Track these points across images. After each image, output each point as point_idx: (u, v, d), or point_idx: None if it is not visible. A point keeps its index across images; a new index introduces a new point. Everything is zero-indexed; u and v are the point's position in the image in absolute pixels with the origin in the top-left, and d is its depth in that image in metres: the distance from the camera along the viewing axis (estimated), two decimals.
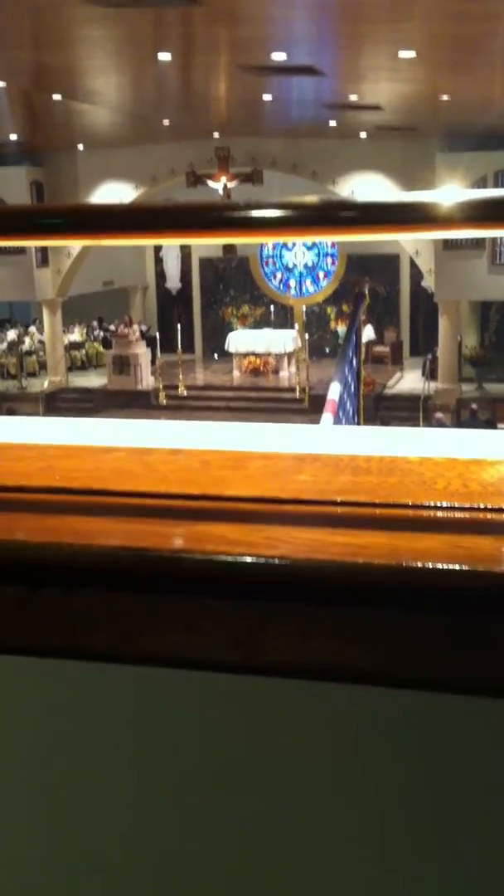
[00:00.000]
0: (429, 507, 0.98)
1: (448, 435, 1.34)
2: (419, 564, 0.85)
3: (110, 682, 0.97)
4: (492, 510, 0.98)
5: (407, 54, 10.79)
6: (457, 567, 0.84)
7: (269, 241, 20.92)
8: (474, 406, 17.53)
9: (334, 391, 4.33)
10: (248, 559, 0.88)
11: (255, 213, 1.06)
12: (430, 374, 19.38)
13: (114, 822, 1.02)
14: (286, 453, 1.21)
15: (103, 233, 1.19)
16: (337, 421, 4.22)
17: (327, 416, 4.15)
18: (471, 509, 0.98)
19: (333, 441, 1.38)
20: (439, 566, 0.84)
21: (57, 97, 13.92)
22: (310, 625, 0.87)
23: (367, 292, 6.14)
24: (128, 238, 1.19)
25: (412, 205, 1.03)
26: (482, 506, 0.98)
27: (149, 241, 1.19)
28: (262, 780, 0.96)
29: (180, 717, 0.97)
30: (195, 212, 1.13)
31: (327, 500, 1.01)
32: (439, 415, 17.03)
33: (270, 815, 0.97)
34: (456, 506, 0.98)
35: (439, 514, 0.98)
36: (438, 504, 0.98)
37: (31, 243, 1.29)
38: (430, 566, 0.84)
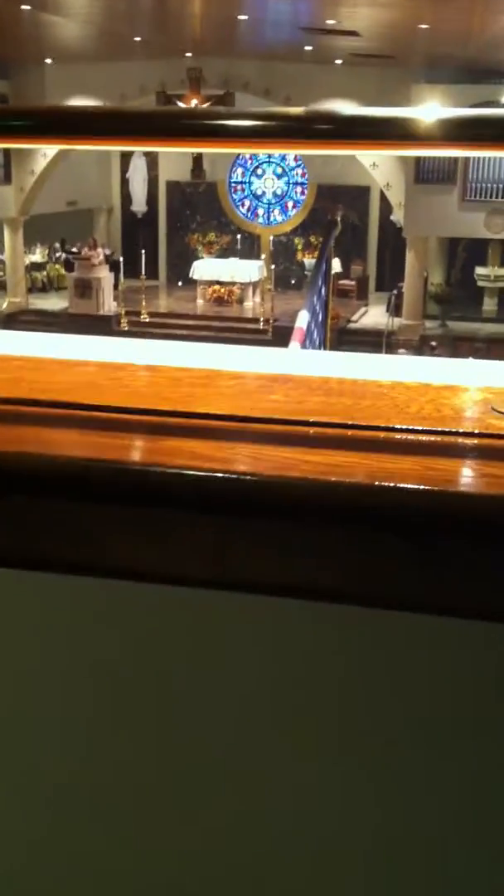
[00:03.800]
0: (402, 430, 0.98)
1: (418, 362, 1.33)
2: (392, 484, 0.84)
3: (75, 593, 0.97)
4: (463, 434, 0.98)
5: None
6: (429, 488, 0.84)
7: (247, 152, 20.54)
8: (434, 343, 17.57)
9: (303, 319, 4.30)
10: (219, 475, 0.87)
11: (236, 122, 1.03)
12: (395, 309, 19.33)
13: (77, 733, 1.03)
14: (258, 373, 1.20)
15: (77, 136, 1.16)
16: (304, 349, 4.19)
17: (294, 344, 4.12)
18: (443, 433, 0.97)
19: (304, 364, 1.36)
20: (412, 486, 0.84)
21: (26, 7, 13.42)
22: (280, 541, 0.87)
23: (339, 220, 6.06)
24: (104, 143, 1.16)
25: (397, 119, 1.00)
26: (455, 430, 0.98)
27: (144, 147, 1.16)
28: (225, 693, 0.97)
29: (145, 628, 0.96)
30: (173, 118, 1.10)
31: (300, 419, 1.00)
32: (402, 351, 17.06)
33: (232, 729, 0.97)
34: (429, 429, 0.98)
35: (412, 436, 0.97)
36: (411, 427, 0.98)
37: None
38: (403, 486, 0.84)
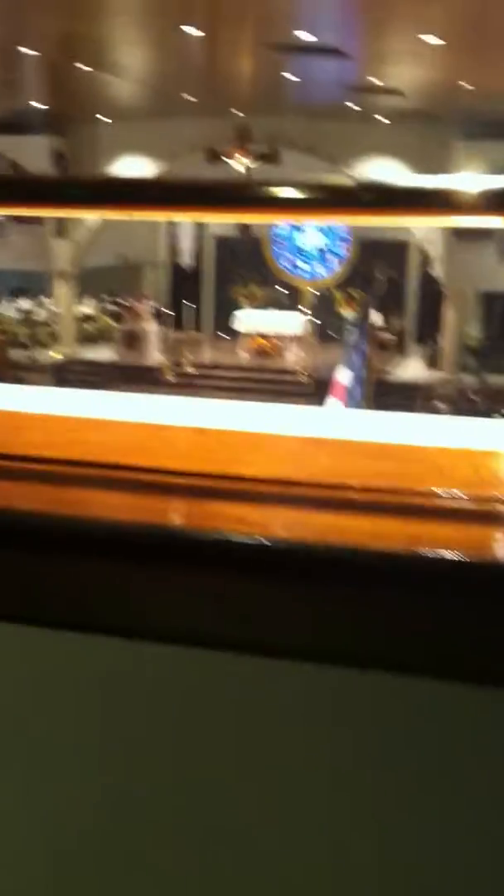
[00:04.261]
0: (443, 496, 0.99)
1: (461, 424, 1.35)
2: (431, 552, 0.86)
3: (118, 655, 0.98)
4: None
5: (432, 40, 10.71)
6: (468, 558, 0.85)
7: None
8: (473, 396, 17.53)
9: (343, 375, 4.32)
10: (265, 541, 0.89)
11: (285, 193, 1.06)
12: (433, 362, 19.33)
13: (92, 791, 1.02)
14: (303, 437, 1.22)
15: (133, 205, 1.20)
16: (343, 405, 4.21)
17: (334, 400, 4.14)
18: (484, 500, 0.99)
19: (346, 424, 1.39)
20: (451, 555, 0.85)
21: (82, 66, 13.83)
22: (319, 607, 0.89)
23: (381, 276, 6.11)
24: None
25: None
26: (496, 497, 0.99)
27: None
28: (248, 759, 0.96)
29: (179, 690, 0.97)
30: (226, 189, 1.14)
31: (343, 484, 1.02)
32: (439, 404, 17.03)
33: (249, 794, 0.97)
34: (470, 495, 0.99)
35: (453, 503, 0.99)
36: (453, 493, 1.00)
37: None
38: (442, 554, 0.85)
